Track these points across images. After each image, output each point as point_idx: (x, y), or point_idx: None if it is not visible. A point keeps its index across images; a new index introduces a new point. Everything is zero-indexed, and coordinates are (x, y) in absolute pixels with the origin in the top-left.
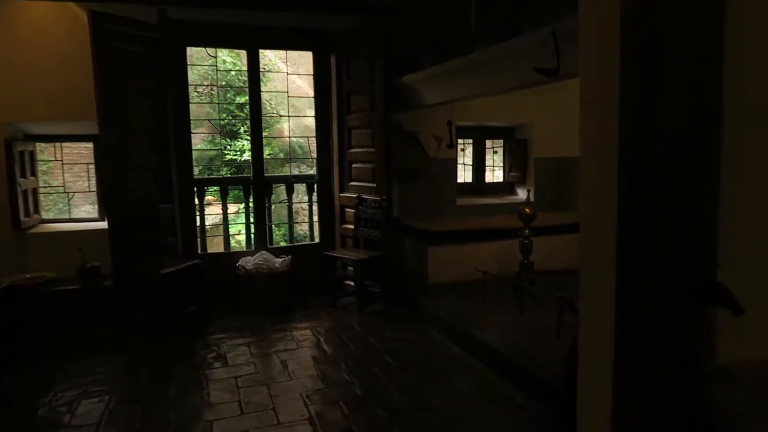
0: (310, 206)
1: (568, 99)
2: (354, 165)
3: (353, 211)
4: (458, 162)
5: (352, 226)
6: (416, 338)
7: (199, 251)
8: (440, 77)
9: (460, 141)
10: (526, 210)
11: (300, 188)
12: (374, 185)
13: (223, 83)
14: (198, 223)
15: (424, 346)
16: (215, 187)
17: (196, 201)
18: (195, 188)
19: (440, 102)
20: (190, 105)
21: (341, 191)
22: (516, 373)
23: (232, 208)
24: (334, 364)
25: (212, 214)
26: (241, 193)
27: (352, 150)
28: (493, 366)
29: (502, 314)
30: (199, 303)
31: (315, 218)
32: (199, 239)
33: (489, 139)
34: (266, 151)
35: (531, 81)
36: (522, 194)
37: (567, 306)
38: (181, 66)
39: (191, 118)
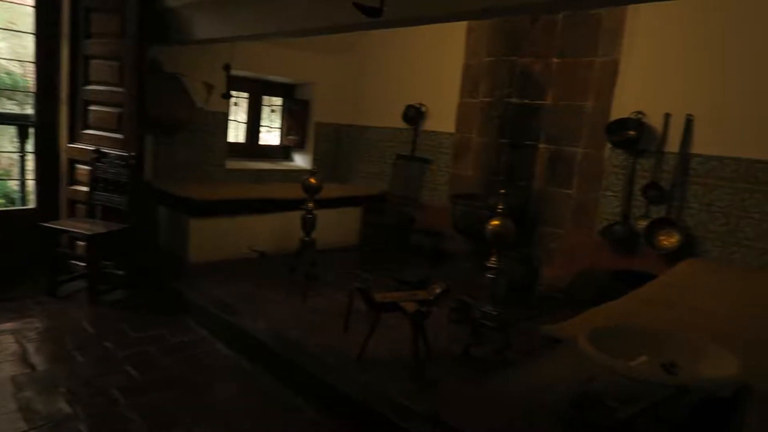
0: (22, 158)
1: (354, 61)
2: (92, 107)
3: (89, 168)
4: (229, 118)
5: (85, 189)
6: (172, 337)
7: None
8: (221, 5)
9: (233, 93)
10: (311, 180)
11: (6, 132)
12: (120, 136)
13: None
14: None
15: (182, 347)
16: None
17: None
18: None
19: (217, 38)
20: None
21: (71, 141)
22: (304, 381)
23: None
24: (48, 389)
25: None
26: None
27: (91, 87)
28: (273, 371)
29: (281, 302)
30: None
31: (30, 175)
32: None
33: (267, 95)
34: None
35: (343, 22)
36: (299, 161)
37: (364, 297)
38: None
39: None
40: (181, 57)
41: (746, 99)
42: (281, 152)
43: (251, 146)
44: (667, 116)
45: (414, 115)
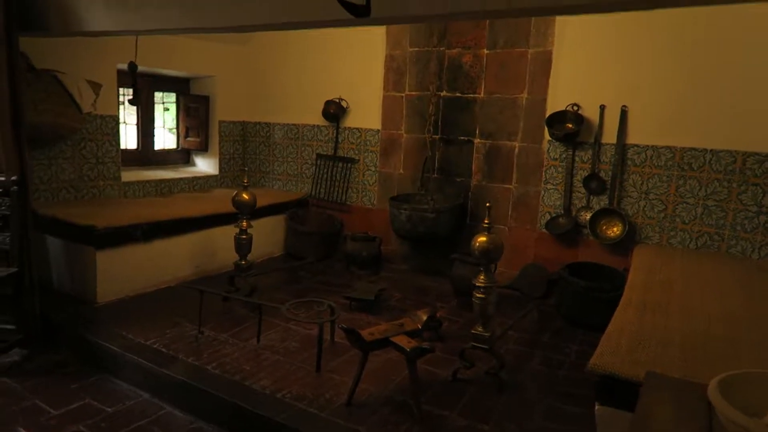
0: None
1: (254, 53)
2: None
3: None
4: (121, 122)
5: None
6: (105, 407)
7: None
8: None
9: (120, 91)
10: (244, 196)
11: None
12: None
13: None
14: None
15: (124, 420)
16: None
17: None
18: None
19: (121, 31)
20: None
21: None
22: None
23: None
24: None
25: None
26: None
27: None
28: None
29: (230, 343)
30: None
31: None
32: None
33: (159, 91)
34: None
35: (321, 17)
36: (203, 165)
37: (352, 337)
38: None
39: None
40: (56, 51)
41: (677, 89)
42: (181, 157)
43: (146, 153)
44: (603, 108)
45: (335, 111)
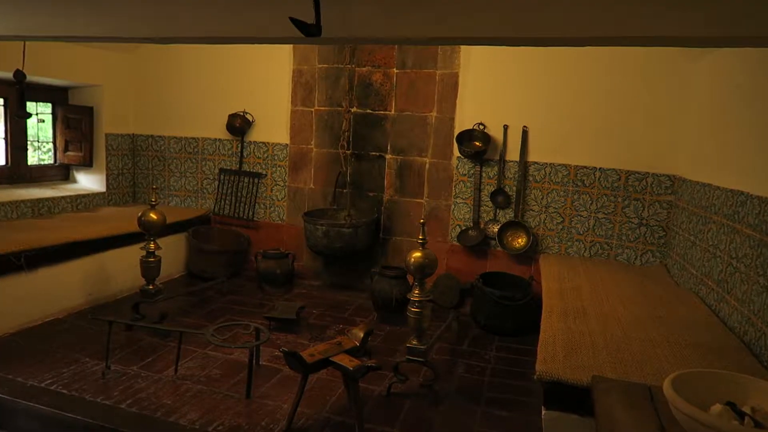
0: None
1: (143, 62)
2: None
3: None
4: None
5: None
6: None
7: None
8: None
9: None
10: (152, 216)
11: None
12: None
13: None
14: None
15: None
16: None
17: None
18: None
19: (6, 36)
20: None
21: None
22: None
23: None
24: None
25: None
26: None
27: None
28: None
29: (143, 377)
30: None
31: None
32: None
33: (31, 101)
34: None
35: (264, 34)
36: (86, 182)
37: (293, 360)
38: None
39: None
40: None
41: (569, 112)
42: (60, 173)
43: (17, 169)
44: (506, 127)
45: (241, 124)
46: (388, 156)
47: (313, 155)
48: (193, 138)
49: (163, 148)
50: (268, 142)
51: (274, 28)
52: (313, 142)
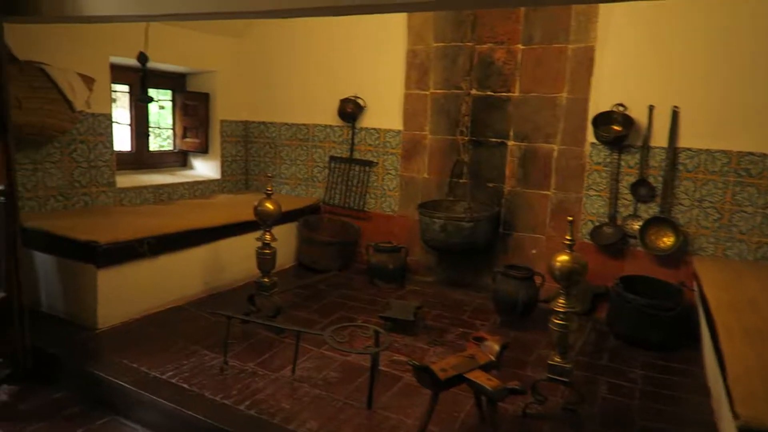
0: None
1: (255, 47)
2: None
3: None
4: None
5: None
6: None
7: None
8: None
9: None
10: (268, 205)
11: None
12: None
13: None
14: None
15: None
16: None
17: None
18: None
19: (129, 16)
20: None
21: None
22: None
23: None
24: None
25: None
26: None
27: None
28: None
29: (260, 375)
30: None
31: None
32: None
33: (153, 88)
34: None
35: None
36: (202, 168)
37: (425, 376)
38: None
39: None
40: (41, 40)
41: (732, 88)
42: (178, 159)
43: (140, 155)
44: (651, 108)
45: (353, 110)
46: (510, 143)
47: (427, 142)
48: (304, 125)
49: (274, 135)
50: (379, 129)
51: None
52: (427, 128)
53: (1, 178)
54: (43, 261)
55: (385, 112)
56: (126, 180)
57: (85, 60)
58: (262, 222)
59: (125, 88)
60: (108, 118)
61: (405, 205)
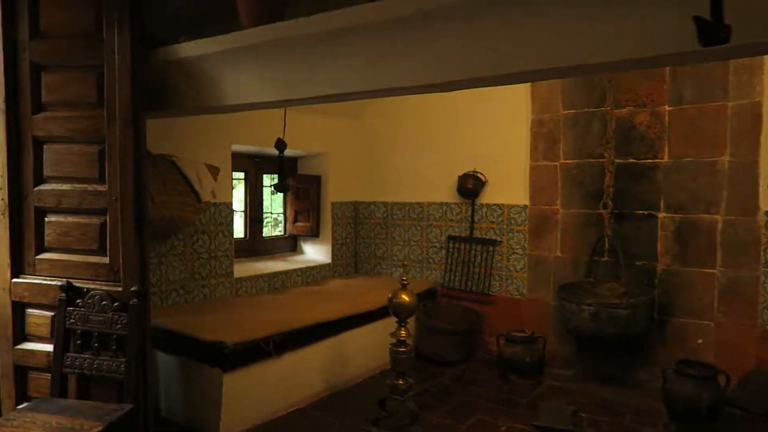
0: None
1: (367, 125)
2: (53, 217)
3: (51, 315)
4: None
5: (47, 348)
6: None
7: None
8: (286, 47)
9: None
10: (404, 297)
11: None
12: (105, 260)
13: None
14: None
15: None
16: None
17: None
18: None
19: (279, 102)
20: None
21: (18, 272)
22: None
23: None
24: None
25: None
26: None
27: (50, 186)
28: None
29: None
30: None
31: None
32: None
33: (267, 173)
34: None
35: (658, 53)
36: (312, 253)
37: None
38: None
39: None
40: (169, 131)
41: None
42: (289, 244)
43: (254, 242)
44: None
45: (473, 185)
46: (660, 214)
47: (559, 217)
48: (418, 203)
49: (385, 215)
50: (502, 204)
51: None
52: (558, 202)
53: (135, 278)
54: (165, 361)
55: (509, 187)
56: (242, 269)
57: (210, 150)
58: (397, 316)
59: (241, 174)
60: (228, 207)
61: (535, 288)
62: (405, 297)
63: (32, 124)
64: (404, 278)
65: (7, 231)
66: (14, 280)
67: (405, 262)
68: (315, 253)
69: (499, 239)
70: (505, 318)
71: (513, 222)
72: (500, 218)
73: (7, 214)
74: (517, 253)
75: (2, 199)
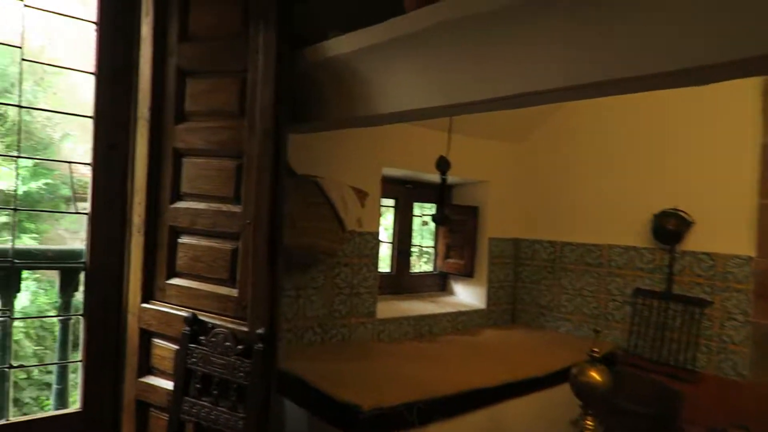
0: (65, 326)
1: (534, 151)
2: (186, 239)
3: (175, 349)
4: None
5: (167, 386)
6: None
7: None
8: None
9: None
10: (595, 376)
11: (34, 280)
12: (235, 293)
13: None
14: None
15: None
16: None
17: None
18: None
19: (451, 106)
20: None
21: (147, 297)
22: None
23: None
24: None
25: None
26: None
27: (186, 203)
28: None
29: None
30: None
31: (77, 357)
32: None
33: (418, 201)
34: None
35: None
36: (464, 295)
37: None
38: None
39: None
40: (314, 148)
41: None
42: (438, 282)
43: (400, 278)
44: None
45: (676, 227)
46: None
47: None
48: (595, 245)
49: (552, 256)
50: (715, 254)
51: None
52: None
53: (263, 317)
54: (292, 410)
55: (725, 231)
56: (385, 308)
57: (358, 173)
58: (581, 399)
59: (390, 202)
60: (375, 237)
61: (762, 368)
62: (596, 375)
63: (173, 134)
64: (595, 349)
65: (142, 251)
66: (143, 305)
67: (597, 329)
68: (467, 295)
69: (709, 299)
70: (716, 405)
71: (730, 277)
72: (711, 271)
73: (143, 232)
74: (735, 320)
75: (139, 215)
